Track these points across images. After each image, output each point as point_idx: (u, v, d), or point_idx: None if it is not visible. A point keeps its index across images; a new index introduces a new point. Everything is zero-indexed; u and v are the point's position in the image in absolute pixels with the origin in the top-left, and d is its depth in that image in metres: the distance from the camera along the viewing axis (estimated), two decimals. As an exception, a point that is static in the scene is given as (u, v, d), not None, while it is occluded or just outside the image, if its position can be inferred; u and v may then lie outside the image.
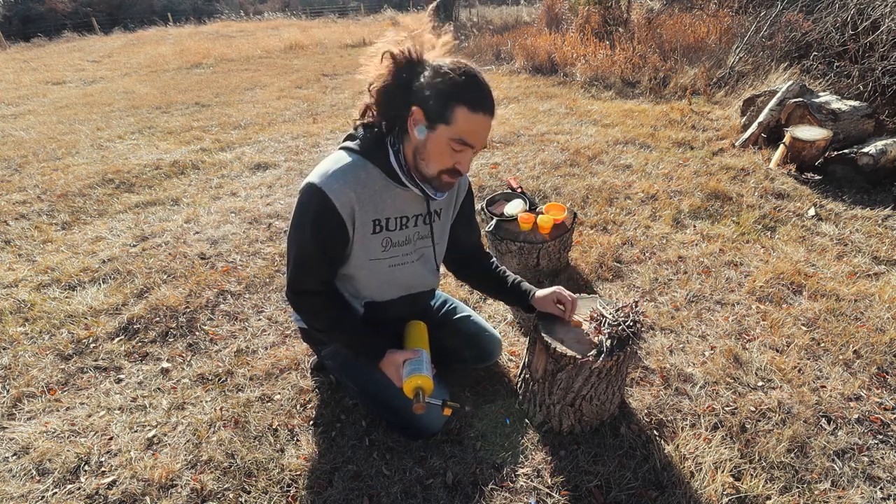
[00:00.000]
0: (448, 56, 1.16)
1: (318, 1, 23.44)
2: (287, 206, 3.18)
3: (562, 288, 1.47)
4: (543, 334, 1.39)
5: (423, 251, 1.41)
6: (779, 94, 3.81)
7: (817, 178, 3.24)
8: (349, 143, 1.24)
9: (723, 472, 1.42)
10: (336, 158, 1.21)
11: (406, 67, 1.13)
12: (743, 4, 6.52)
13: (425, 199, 1.30)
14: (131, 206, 3.32)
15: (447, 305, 1.72)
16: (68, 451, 1.55)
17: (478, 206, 2.98)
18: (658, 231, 2.71)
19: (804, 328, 1.98)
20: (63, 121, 5.61)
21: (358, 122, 1.26)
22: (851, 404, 1.64)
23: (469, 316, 1.69)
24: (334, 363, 1.58)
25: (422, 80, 1.10)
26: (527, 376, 1.57)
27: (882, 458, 1.47)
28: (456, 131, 1.09)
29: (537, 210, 2.35)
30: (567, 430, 1.53)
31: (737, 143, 3.85)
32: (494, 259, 1.62)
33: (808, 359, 1.83)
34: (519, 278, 1.56)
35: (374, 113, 1.21)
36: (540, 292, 1.48)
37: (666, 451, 1.48)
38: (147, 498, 1.41)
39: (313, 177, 1.18)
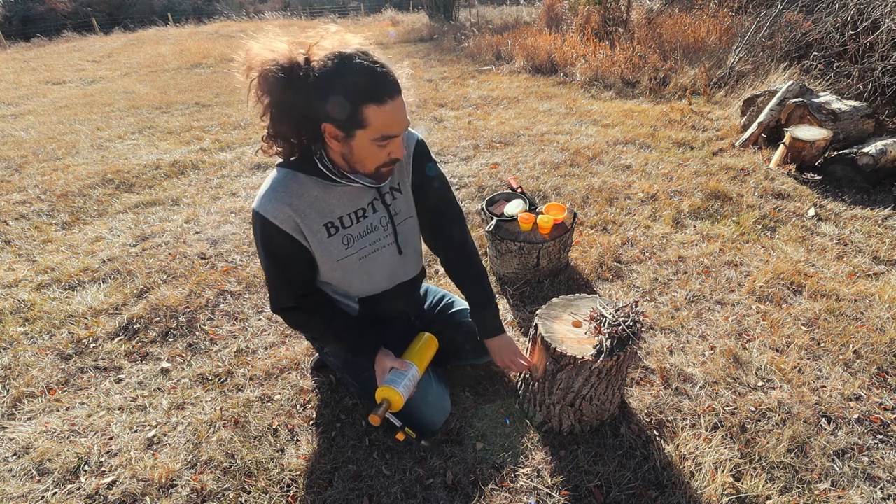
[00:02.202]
0: (332, 46, 1.02)
1: (318, 1, 23.42)
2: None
3: (509, 359, 1.45)
4: (543, 334, 1.39)
5: (397, 228, 1.37)
6: (779, 94, 3.81)
7: (817, 178, 3.24)
8: (280, 159, 1.21)
9: (723, 472, 1.42)
10: (269, 178, 1.20)
11: (290, 85, 1.01)
12: (743, 4, 6.52)
13: (371, 186, 1.26)
14: (131, 206, 3.32)
15: (445, 300, 1.72)
16: (68, 451, 1.55)
17: (478, 206, 2.99)
18: (658, 231, 2.71)
19: (804, 328, 1.98)
20: (63, 121, 5.61)
21: (278, 155, 1.18)
22: (851, 404, 1.64)
23: (467, 309, 1.68)
24: (336, 360, 1.59)
25: (315, 92, 1.00)
26: (527, 376, 1.57)
27: (882, 458, 1.47)
28: (374, 131, 1.05)
29: (537, 210, 2.35)
30: (567, 430, 1.53)
31: (737, 143, 3.85)
32: (467, 249, 1.48)
33: (808, 359, 1.83)
34: (481, 306, 1.46)
35: (285, 145, 1.14)
36: (491, 345, 1.47)
37: (666, 451, 1.48)
38: (147, 498, 1.41)
39: (254, 202, 1.18)
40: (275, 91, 1.03)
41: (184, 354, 1.97)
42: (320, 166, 1.17)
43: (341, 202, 1.23)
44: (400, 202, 1.36)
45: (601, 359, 1.32)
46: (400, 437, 1.31)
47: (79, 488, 1.45)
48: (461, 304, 1.71)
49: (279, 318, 2.13)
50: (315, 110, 1.04)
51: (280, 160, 1.21)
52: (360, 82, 1.00)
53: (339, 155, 1.14)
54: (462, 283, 1.51)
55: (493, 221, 2.25)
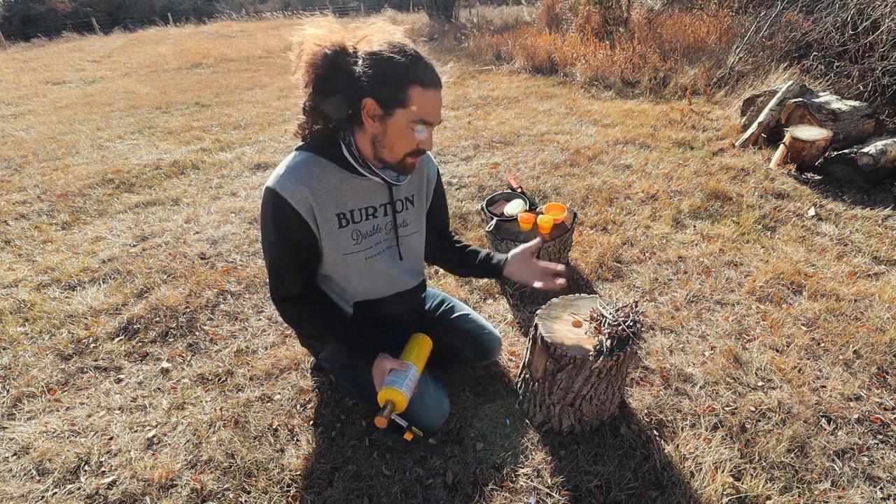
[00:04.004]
0: (380, 39, 1.11)
1: (318, 1, 23.42)
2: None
3: (525, 248, 1.46)
4: (543, 334, 1.39)
5: (400, 240, 1.39)
6: (779, 94, 3.81)
7: (817, 178, 3.24)
8: (301, 144, 1.24)
9: (723, 472, 1.42)
10: (289, 159, 1.21)
11: (337, 62, 1.09)
12: (743, 4, 6.52)
13: (387, 186, 1.29)
14: (131, 206, 3.32)
15: (445, 304, 1.71)
16: (68, 451, 1.55)
17: (478, 206, 2.99)
18: (658, 231, 2.71)
19: (804, 328, 1.98)
20: (63, 121, 5.61)
21: (306, 133, 1.23)
22: (851, 404, 1.64)
23: (468, 314, 1.69)
24: (332, 365, 1.58)
25: (362, 69, 1.08)
26: (527, 376, 1.57)
27: (882, 458, 1.47)
28: (414, 112, 1.09)
29: (537, 210, 2.35)
30: (567, 430, 1.53)
31: (737, 143, 3.85)
32: (457, 237, 1.65)
33: (808, 359, 1.83)
34: (485, 253, 1.55)
35: (318, 121, 1.19)
36: (511, 261, 1.48)
37: (666, 451, 1.48)
38: (147, 498, 1.41)
39: (269, 180, 1.19)
40: (322, 66, 1.09)
41: (184, 354, 1.97)
42: (346, 153, 1.19)
43: (356, 195, 1.25)
44: (411, 213, 1.39)
45: (601, 359, 1.32)
46: (408, 436, 1.30)
47: (79, 488, 1.45)
48: (461, 308, 1.71)
49: (279, 319, 2.13)
50: (360, 84, 1.08)
51: (300, 143, 1.23)
52: (411, 65, 1.07)
53: (370, 139, 1.16)
54: (462, 262, 1.59)
55: (493, 221, 2.25)
